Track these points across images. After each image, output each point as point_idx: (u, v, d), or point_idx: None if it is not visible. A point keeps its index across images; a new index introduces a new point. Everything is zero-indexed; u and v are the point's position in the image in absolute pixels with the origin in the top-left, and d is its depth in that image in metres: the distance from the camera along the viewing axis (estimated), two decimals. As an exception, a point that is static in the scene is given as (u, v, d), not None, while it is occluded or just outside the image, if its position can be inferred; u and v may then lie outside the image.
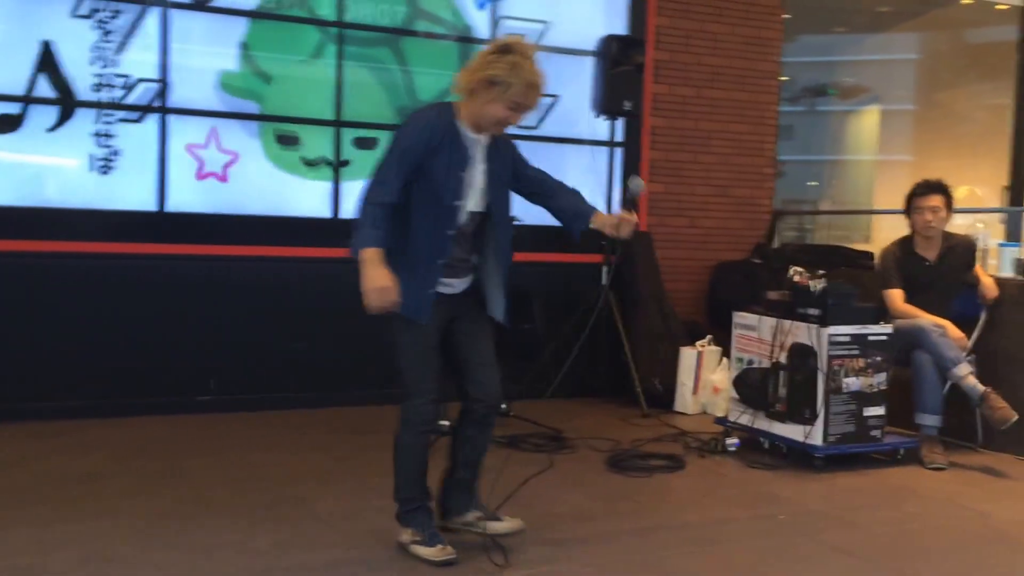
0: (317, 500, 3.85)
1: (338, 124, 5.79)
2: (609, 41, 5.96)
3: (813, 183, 16.31)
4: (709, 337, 6.00)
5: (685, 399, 5.86)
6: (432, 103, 3.42)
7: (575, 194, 3.35)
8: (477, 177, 3.14)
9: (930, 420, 4.73)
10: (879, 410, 4.63)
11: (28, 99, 5.10)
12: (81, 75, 5.20)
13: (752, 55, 6.95)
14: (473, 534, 3.30)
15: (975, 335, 5.01)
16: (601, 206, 6.19)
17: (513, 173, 3.27)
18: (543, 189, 3.33)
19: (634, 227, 3.26)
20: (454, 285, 3.18)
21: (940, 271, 5.02)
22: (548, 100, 6.36)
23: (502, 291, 3.25)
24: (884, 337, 4.65)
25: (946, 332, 4.76)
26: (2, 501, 3.68)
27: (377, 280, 2.93)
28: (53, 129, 5.16)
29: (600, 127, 6.22)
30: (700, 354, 5.88)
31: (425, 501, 3.27)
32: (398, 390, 3.18)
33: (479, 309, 3.25)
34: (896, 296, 4.98)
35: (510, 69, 3.02)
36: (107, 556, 3.15)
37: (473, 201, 3.14)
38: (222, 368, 5.43)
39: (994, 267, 5.37)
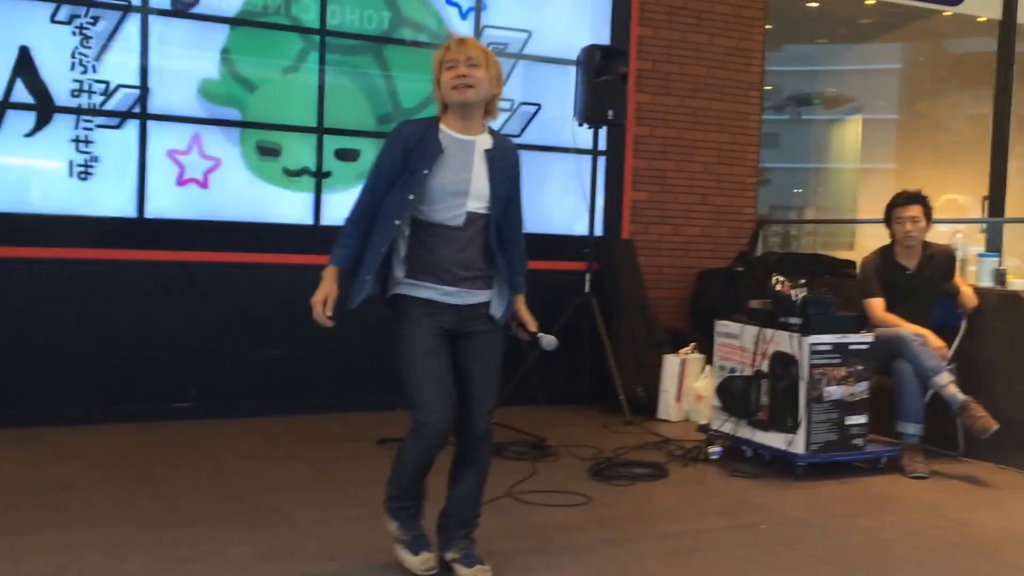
0: (294, 509, 3.82)
1: (320, 131, 5.77)
2: (592, 51, 5.97)
3: (798, 190, 16.38)
4: (692, 345, 6.01)
5: (668, 407, 5.86)
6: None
7: (523, 263, 3.27)
8: (476, 179, 3.05)
9: (911, 429, 4.75)
10: (861, 419, 4.64)
11: (5, 104, 5.06)
12: (60, 80, 5.17)
13: (734, 65, 6.98)
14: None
15: (955, 344, 5.03)
16: (584, 215, 6.19)
17: (508, 187, 3.15)
18: (508, 231, 3.17)
19: (524, 337, 3.26)
20: (452, 293, 3.03)
21: (920, 280, 5.05)
22: (531, 108, 6.36)
23: (504, 295, 3.14)
24: (865, 346, 4.66)
25: (926, 341, 4.78)
26: (-30, 511, 3.62)
27: (316, 295, 3.01)
28: (31, 134, 5.13)
29: (584, 136, 6.22)
30: (683, 362, 5.88)
31: (416, 501, 3.16)
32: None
33: (490, 332, 3.11)
34: (877, 305, 5.00)
35: (436, 54, 3.10)
36: (81, 567, 3.11)
37: (474, 202, 3.04)
38: (201, 375, 5.39)
39: (974, 277, 5.39)
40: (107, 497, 3.88)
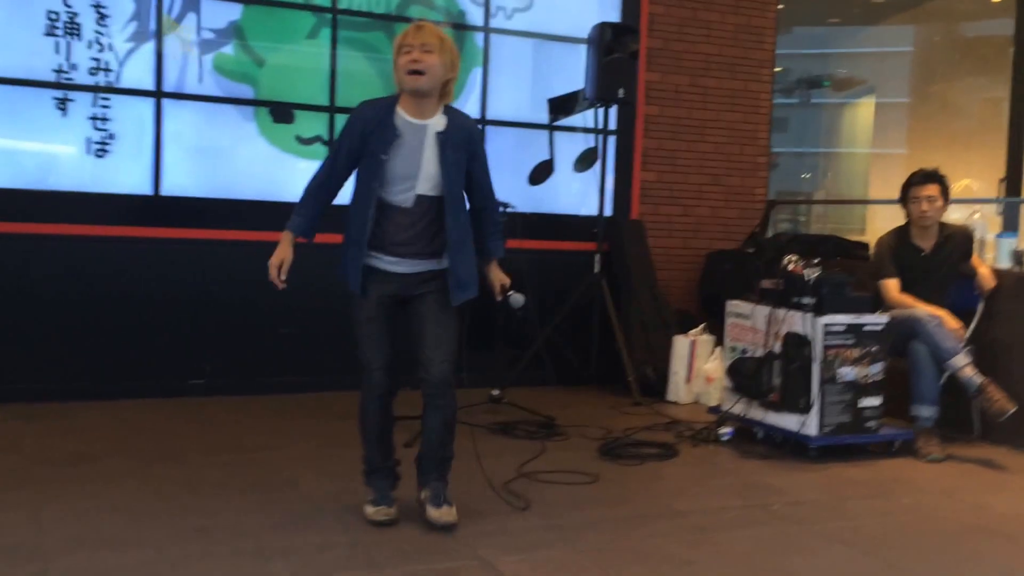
0: (308, 482, 3.83)
1: (332, 110, 5.73)
2: (603, 28, 5.91)
3: (807, 175, 16.30)
4: (702, 326, 5.98)
5: (678, 388, 5.83)
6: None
7: (496, 227, 3.51)
8: (426, 163, 3.24)
9: (927, 411, 4.70)
10: (875, 401, 4.60)
11: (24, 82, 5.04)
12: (78, 58, 5.14)
13: (745, 43, 6.92)
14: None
15: (972, 326, 4.98)
16: (593, 195, 6.15)
17: (467, 162, 3.35)
18: (476, 199, 3.42)
19: (498, 295, 3.54)
20: (401, 264, 3.29)
21: (936, 261, 4.99)
22: (541, 87, 6.32)
23: (466, 269, 3.32)
24: (880, 327, 4.62)
25: (943, 322, 4.73)
26: (-7, 482, 3.65)
27: (273, 258, 3.30)
28: (51, 112, 5.11)
29: (593, 115, 6.17)
30: (693, 343, 5.85)
31: (385, 464, 3.42)
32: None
33: (438, 292, 3.32)
34: (891, 286, 4.95)
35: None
36: (101, 536, 3.14)
37: (423, 184, 3.25)
38: (215, 352, 5.39)
39: (991, 258, 5.34)
40: (125, 469, 3.92)
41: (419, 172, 3.24)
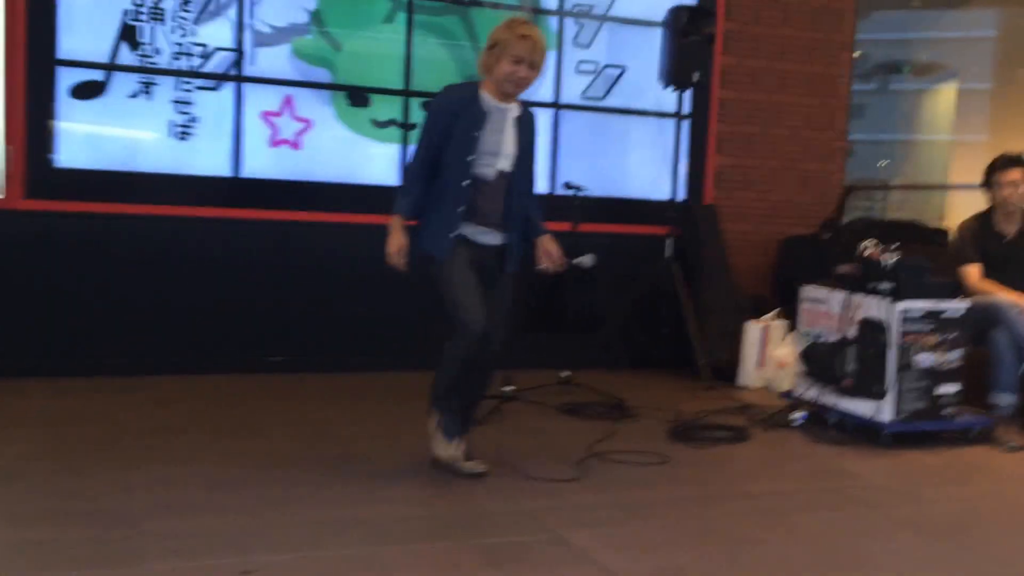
0: (383, 458, 3.91)
1: (407, 94, 5.82)
2: (679, 11, 5.88)
3: (884, 163, 15.96)
4: (776, 311, 5.93)
5: (749, 373, 5.80)
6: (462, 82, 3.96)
7: (538, 208, 3.80)
8: (506, 142, 3.59)
9: (1006, 400, 4.63)
10: (952, 388, 4.53)
11: (111, 67, 5.22)
12: (161, 44, 5.31)
13: (824, 26, 6.81)
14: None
15: (1054, 313, 4.86)
16: (666, 179, 6.14)
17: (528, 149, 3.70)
18: (525, 182, 3.73)
19: (556, 267, 3.74)
20: (485, 235, 3.60)
21: (1019, 248, 4.88)
22: (615, 71, 6.31)
23: (514, 244, 3.65)
24: (960, 314, 4.54)
25: (1024, 310, 4.64)
26: (84, 449, 3.81)
27: (391, 246, 3.52)
28: (134, 96, 5.29)
29: (667, 99, 6.15)
30: (765, 328, 5.81)
31: (455, 402, 3.65)
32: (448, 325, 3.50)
33: (502, 269, 3.65)
34: (972, 272, 4.86)
35: (505, 29, 3.53)
36: (186, 502, 3.27)
37: (503, 161, 3.58)
38: (295, 330, 5.52)
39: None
40: (207, 439, 4.06)
41: (501, 149, 3.58)
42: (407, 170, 3.66)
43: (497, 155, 3.58)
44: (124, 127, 5.33)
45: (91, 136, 5.27)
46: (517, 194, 3.65)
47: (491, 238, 3.62)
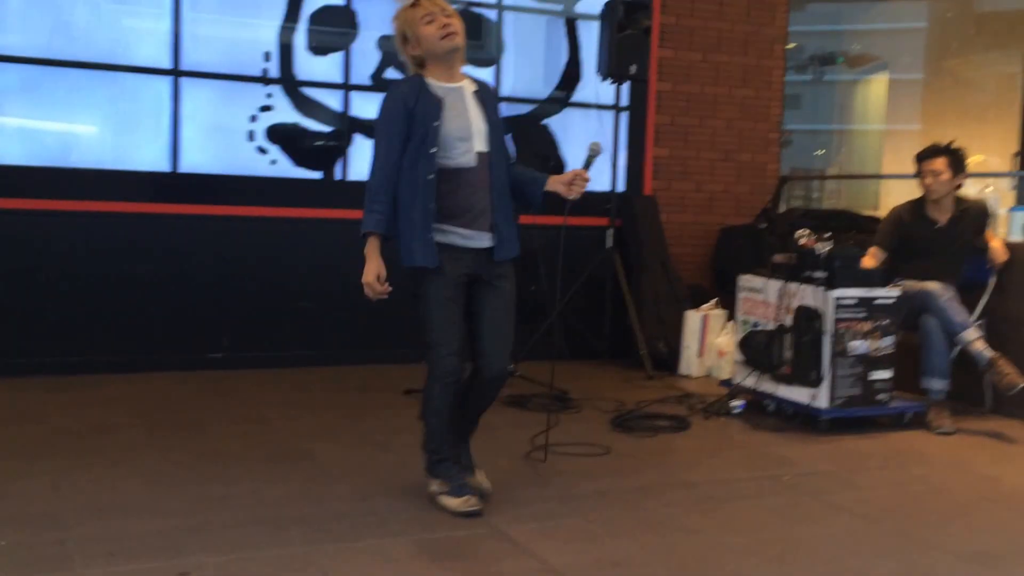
0: (325, 454, 3.89)
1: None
2: (615, 5, 5.90)
3: (820, 152, 16.22)
4: (714, 300, 6.00)
5: (690, 362, 5.86)
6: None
7: (526, 167, 3.46)
8: (474, 119, 3.22)
9: (938, 384, 4.72)
10: (886, 374, 4.62)
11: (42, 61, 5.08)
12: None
13: (758, 19, 6.90)
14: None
15: (984, 300, 4.99)
16: (607, 171, 6.17)
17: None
18: (498, 159, 3.32)
19: (585, 186, 3.30)
20: (471, 237, 3.20)
21: (950, 235, 4.98)
22: (559, 65, 6.32)
23: (508, 227, 3.26)
24: (891, 301, 4.64)
25: (954, 296, 4.73)
26: (19, 452, 3.73)
27: (367, 275, 3.14)
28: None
29: (606, 91, 6.18)
30: (705, 317, 5.88)
31: (451, 451, 3.31)
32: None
33: (501, 275, 3.27)
34: (868, 257, 4.90)
35: (397, 18, 3.25)
36: (121, 504, 3.21)
37: (478, 141, 3.21)
38: (234, 326, 5.46)
39: (1004, 232, 5.34)
40: (146, 439, 3.99)
41: (471, 130, 3.20)
42: (369, 186, 3.18)
43: (468, 138, 3.19)
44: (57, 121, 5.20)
45: (24, 130, 5.14)
46: (498, 175, 3.25)
47: (478, 241, 3.22)
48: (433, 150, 3.14)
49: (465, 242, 3.19)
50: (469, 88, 3.28)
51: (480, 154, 3.21)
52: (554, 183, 3.31)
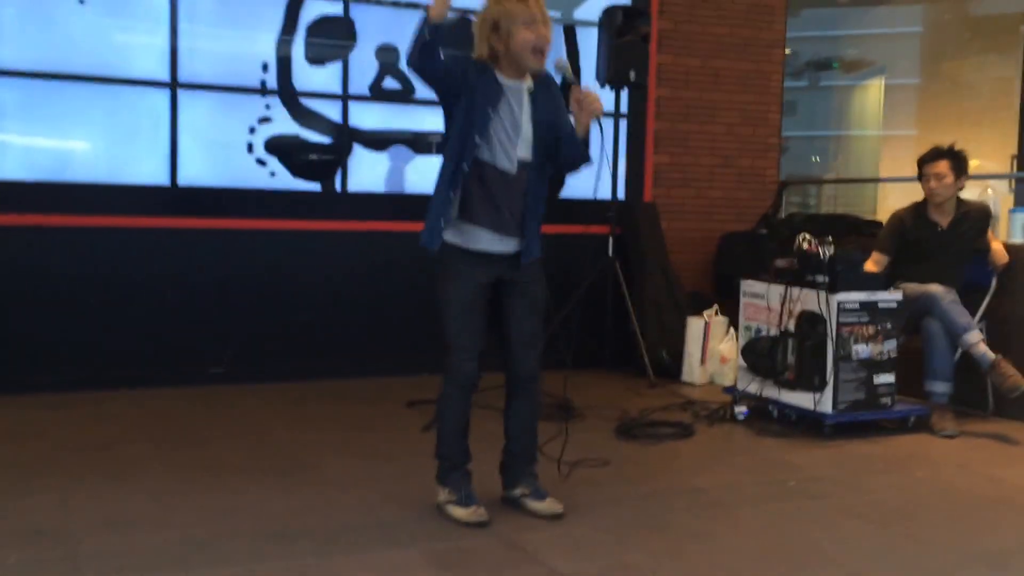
0: (329, 466, 3.88)
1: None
2: (614, 11, 5.92)
3: (816, 159, 16.24)
4: (716, 307, 6.00)
5: (692, 369, 5.86)
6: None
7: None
8: (524, 124, 3.13)
9: (940, 388, 4.72)
10: (889, 378, 4.62)
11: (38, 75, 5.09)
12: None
13: (756, 24, 6.92)
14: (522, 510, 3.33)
15: (985, 302, 4.99)
16: (605, 179, 6.16)
17: (555, 118, 3.20)
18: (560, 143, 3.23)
19: (594, 94, 3.14)
20: (500, 241, 3.16)
21: (951, 237, 4.99)
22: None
23: (534, 233, 3.21)
24: (894, 304, 4.64)
25: (957, 299, 4.74)
26: (23, 468, 3.71)
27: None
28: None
29: (605, 98, 6.17)
30: (707, 324, 5.87)
31: (463, 462, 3.28)
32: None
33: (528, 279, 3.23)
34: (869, 262, 4.93)
35: (495, 3, 3.09)
36: (127, 518, 3.19)
37: (522, 148, 3.13)
38: (234, 340, 5.43)
39: (1004, 233, 5.34)
40: (150, 454, 3.98)
41: (519, 136, 3.11)
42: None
43: (514, 144, 3.10)
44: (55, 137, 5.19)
45: (19, 150, 5.13)
46: (535, 182, 3.16)
47: (506, 246, 3.16)
48: (477, 139, 3.06)
49: (491, 247, 3.15)
50: (528, 85, 3.16)
51: (522, 161, 3.13)
52: (576, 121, 3.17)
